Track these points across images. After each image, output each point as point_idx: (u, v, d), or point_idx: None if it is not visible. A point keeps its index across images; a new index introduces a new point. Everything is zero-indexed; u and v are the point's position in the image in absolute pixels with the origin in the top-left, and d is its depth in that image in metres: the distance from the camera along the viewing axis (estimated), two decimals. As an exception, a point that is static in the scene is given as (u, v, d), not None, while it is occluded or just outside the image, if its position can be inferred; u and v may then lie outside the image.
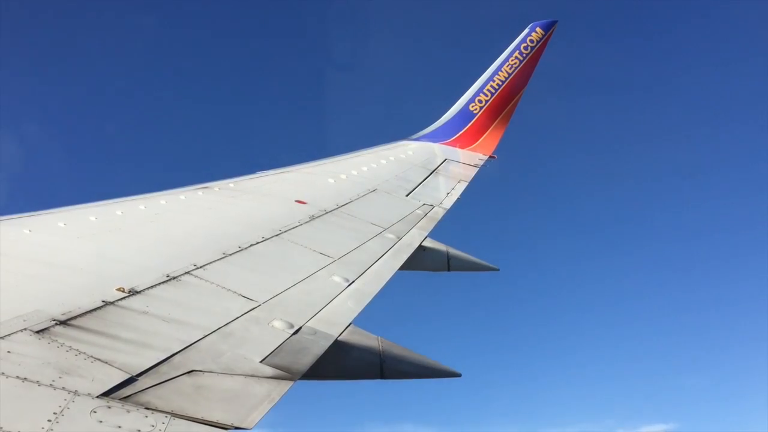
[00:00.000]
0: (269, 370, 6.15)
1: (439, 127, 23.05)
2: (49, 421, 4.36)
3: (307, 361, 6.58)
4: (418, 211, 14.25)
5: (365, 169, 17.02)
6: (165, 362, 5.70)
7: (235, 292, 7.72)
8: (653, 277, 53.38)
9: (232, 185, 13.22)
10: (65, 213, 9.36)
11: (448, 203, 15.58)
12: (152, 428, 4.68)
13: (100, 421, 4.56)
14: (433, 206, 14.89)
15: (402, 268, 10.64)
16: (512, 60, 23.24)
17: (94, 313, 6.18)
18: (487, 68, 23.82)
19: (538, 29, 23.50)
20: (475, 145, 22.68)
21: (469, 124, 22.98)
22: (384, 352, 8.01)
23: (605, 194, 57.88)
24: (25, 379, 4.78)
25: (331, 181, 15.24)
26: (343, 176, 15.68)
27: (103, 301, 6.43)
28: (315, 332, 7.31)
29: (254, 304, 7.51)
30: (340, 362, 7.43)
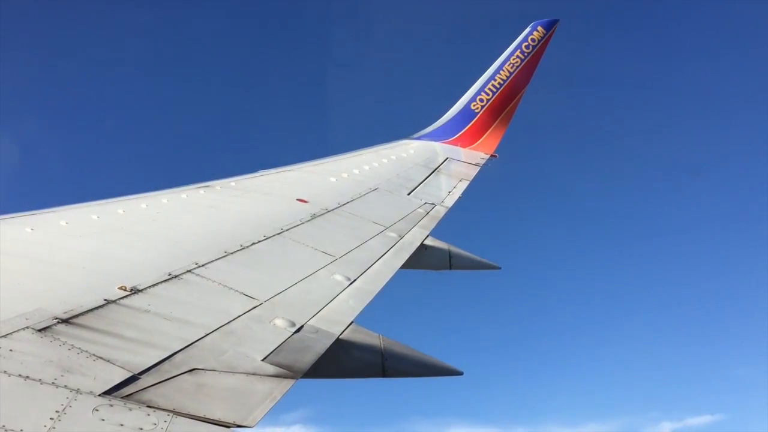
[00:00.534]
0: (271, 369, 6.15)
1: (441, 126, 23.05)
2: (51, 419, 4.36)
3: (308, 359, 6.58)
4: (420, 210, 14.25)
5: (367, 168, 17.03)
6: (167, 360, 5.71)
7: (236, 291, 7.72)
8: (690, 268, 53.18)
9: (233, 184, 13.23)
10: (67, 212, 9.37)
11: (450, 202, 15.58)
12: (154, 426, 4.68)
13: (103, 420, 4.56)
14: (434, 205, 14.89)
15: (404, 266, 10.64)
16: (513, 59, 23.23)
17: (96, 311, 6.19)
18: (489, 67, 23.82)
19: (539, 28, 23.49)
20: (476, 144, 22.68)
21: (471, 123, 22.97)
22: (386, 351, 8.01)
23: (607, 191, 57.90)
24: (28, 377, 4.78)
25: (333, 179, 15.24)
26: (345, 175, 15.69)
27: (105, 300, 6.44)
28: (317, 331, 7.31)
29: (256, 303, 7.52)
30: (342, 360, 7.43)
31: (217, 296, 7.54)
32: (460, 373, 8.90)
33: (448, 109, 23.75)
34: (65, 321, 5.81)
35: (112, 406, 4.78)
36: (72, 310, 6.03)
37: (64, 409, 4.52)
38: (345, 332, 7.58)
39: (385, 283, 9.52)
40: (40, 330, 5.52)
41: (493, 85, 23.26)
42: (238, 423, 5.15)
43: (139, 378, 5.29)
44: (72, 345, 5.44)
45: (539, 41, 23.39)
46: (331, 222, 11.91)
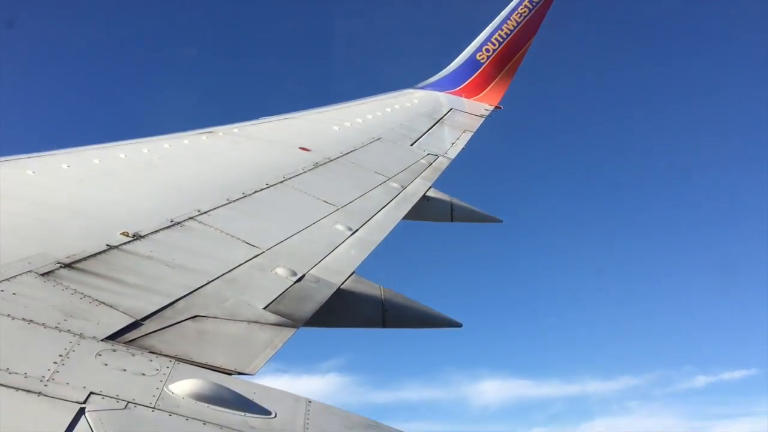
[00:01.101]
0: (272, 317, 6.19)
1: (446, 76, 22.73)
2: (54, 363, 4.40)
3: (309, 308, 6.62)
4: (423, 161, 14.17)
5: (370, 117, 16.86)
6: (169, 307, 5.74)
7: (238, 239, 7.72)
8: (724, 218, 52.55)
9: (236, 130, 13.12)
10: (68, 155, 9.30)
11: (453, 153, 15.48)
12: (156, 372, 4.73)
13: (105, 364, 4.60)
14: (437, 156, 14.80)
15: (405, 217, 10.63)
16: (521, 9, 22.78)
17: (99, 257, 6.19)
18: (495, 17, 23.37)
19: None
20: (481, 95, 22.39)
21: (476, 74, 22.65)
22: (386, 301, 8.06)
23: (612, 141, 57.24)
24: (31, 321, 4.81)
25: (336, 128, 15.12)
26: (348, 124, 15.55)
27: (108, 245, 6.44)
28: (318, 280, 7.34)
29: (258, 251, 7.53)
30: (343, 310, 7.48)
31: (219, 244, 7.54)
32: (459, 325, 8.98)
33: (453, 59, 23.39)
34: (68, 266, 5.81)
35: (114, 351, 4.82)
36: (74, 255, 6.03)
37: (67, 353, 4.55)
38: (346, 282, 7.61)
39: (386, 233, 9.52)
40: (42, 274, 5.53)
41: (499, 35, 22.86)
42: (239, 370, 5.21)
43: (142, 324, 5.32)
44: (75, 290, 5.46)
45: (548, -9, 22.88)
46: (333, 171, 11.86)
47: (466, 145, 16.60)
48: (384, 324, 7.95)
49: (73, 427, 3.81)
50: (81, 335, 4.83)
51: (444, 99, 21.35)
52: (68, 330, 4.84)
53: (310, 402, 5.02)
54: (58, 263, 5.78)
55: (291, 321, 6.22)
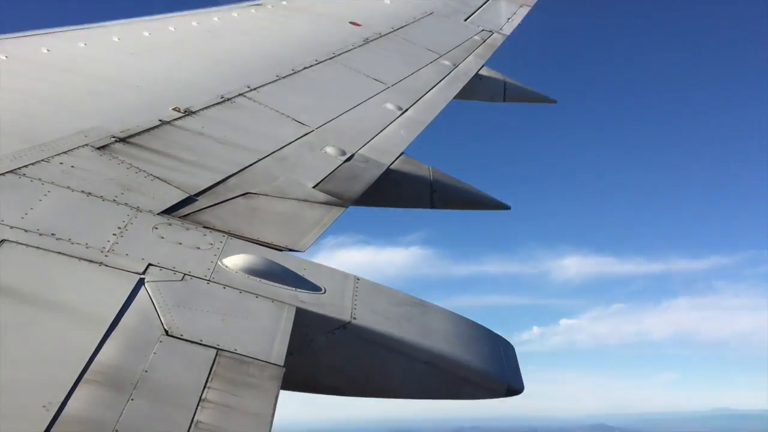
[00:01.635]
0: (321, 196, 6.26)
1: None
2: (114, 235, 4.56)
3: (358, 188, 6.67)
4: (476, 38, 13.66)
5: (422, -11, 16.17)
6: (221, 184, 5.84)
7: (288, 116, 7.70)
8: None
9: (285, 2, 12.78)
10: (118, 27, 9.24)
11: (509, 29, 14.86)
12: (210, 246, 4.88)
13: (162, 237, 4.76)
14: (492, 32, 14.24)
15: (457, 97, 10.41)
16: None
17: (152, 132, 6.27)
18: None
19: None
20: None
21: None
22: (435, 182, 8.05)
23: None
24: (90, 193, 4.95)
25: (387, 1, 14.58)
26: (400, -3, 14.96)
27: (160, 121, 6.49)
28: (367, 160, 7.34)
29: (307, 129, 7.51)
30: (391, 190, 7.51)
31: (268, 121, 7.55)
32: (507, 208, 8.96)
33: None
34: (123, 140, 5.91)
35: (170, 225, 4.97)
36: (128, 129, 6.11)
37: (125, 226, 4.71)
38: (395, 163, 7.60)
39: (437, 113, 9.37)
40: (98, 148, 5.64)
41: None
42: (290, 247, 5.34)
43: (196, 200, 5.44)
44: (130, 164, 5.57)
45: None
46: (383, 48, 11.55)
47: (522, 20, 15.89)
48: (432, 205, 7.97)
49: (134, 297, 4.00)
50: (138, 209, 4.97)
51: (501, -30, 20.26)
52: (125, 203, 4.99)
53: (358, 279, 5.15)
54: (113, 137, 5.88)
55: (340, 200, 6.28)
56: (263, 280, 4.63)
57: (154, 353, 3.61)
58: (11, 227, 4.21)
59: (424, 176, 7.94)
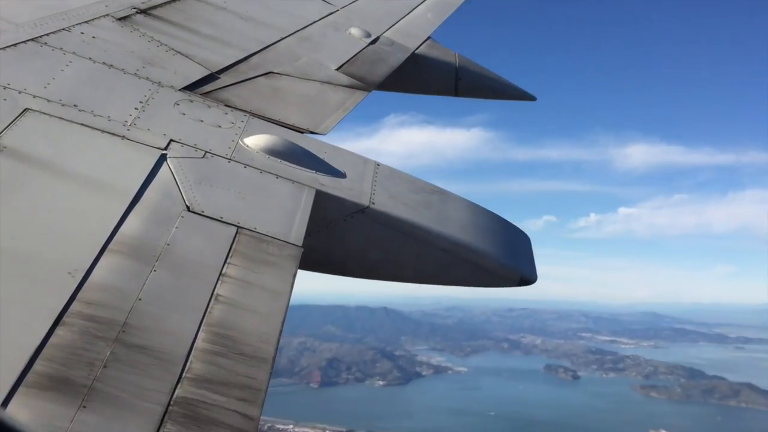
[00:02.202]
0: (345, 79, 6.16)
1: None
2: (135, 109, 4.55)
3: (382, 72, 6.54)
4: None
5: None
6: (243, 62, 5.74)
7: None
8: None
9: None
10: None
11: None
12: (232, 125, 4.86)
13: (183, 114, 4.74)
14: None
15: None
16: None
17: (173, 4, 6.11)
18: None
19: None
20: None
21: None
22: (460, 69, 7.86)
23: None
24: (112, 66, 4.90)
25: None
26: None
27: None
28: (392, 43, 7.15)
29: (332, 9, 7.29)
30: (416, 75, 7.37)
31: None
32: (533, 98, 8.79)
33: None
34: (144, 12, 5.78)
35: (192, 102, 4.93)
36: (150, 0, 5.96)
37: (147, 101, 4.69)
38: (421, 47, 7.41)
39: None
40: (120, 19, 5.53)
41: None
42: (311, 129, 5.30)
43: (218, 77, 5.37)
44: (152, 37, 5.47)
45: None
46: None
47: None
48: (456, 92, 7.83)
49: (156, 172, 4.03)
50: (159, 83, 4.93)
51: None
52: (147, 77, 4.94)
53: (378, 165, 5.14)
54: (134, 8, 5.75)
55: (363, 84, 6.18)
56: (284, 162, 4.64)
57: (176, 228, 3.68)
58: (34, 96, 4.21)
59: (450, 62, 7.76)
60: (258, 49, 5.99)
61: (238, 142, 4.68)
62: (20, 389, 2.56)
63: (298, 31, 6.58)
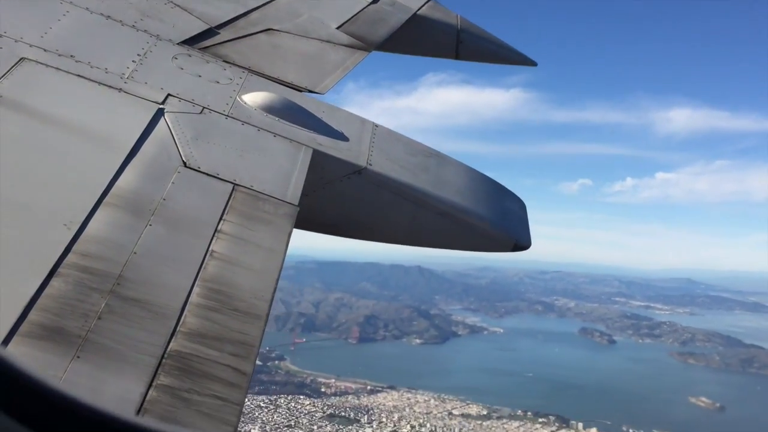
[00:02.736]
0: (345, 38, 6.09)
1: None
2: (133, 62, 4.50)
3: (383, 32, 6.46)
4: None
5: None
6: (243, 17, 5.67)
7: None
8: None
9: None
10: None
11: None
12: (230, 81, 4.82)
13: (181, 68, 4.70)
14: None
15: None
16: None
17: None
18: None
19: None
20: None
21: None
22: (462, 31, 7.77)
23: None
24: (109, 17, 4.83)
25: None
26: None
27: None
28: (393, 3, 7.06)
29: None
30: (417, 36, 7.29)
31: None
32: (533, 64, 8.71)
33: None
34: None
35: (190, 56, 4.88)
36: None
37: (145, 54, 4.64)
38: (422, 8, 7.31)
39: None
40: None
41: None
42: (310, 88, 5.27)
43: (217, 32, 5.31)
44: None
45: None
46: None
47: None
48: (457, 55, 7.75)
49: (153, 126, 4.01)
50: (158, 37, 4.87)
51: None
52: (145, 30, 4.88)
53: (376, 126, 5.12)
54: None
55: (363, 44, 6.12)
56: (282, 120, 4.62)
57: (172, 183, 3.67)
58: (30, 45, 4.16)
59: (452, 24, 7.66)
60: (258, 4, 5.91)
61: (236, 98, 4.65)
62: (15, 338, 2.58)
63: None
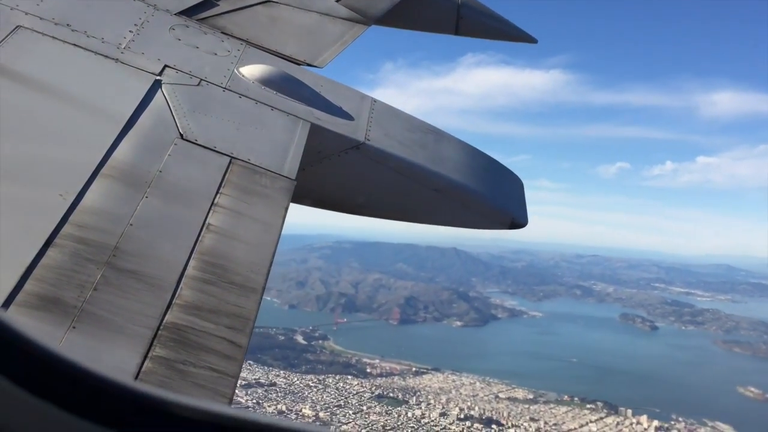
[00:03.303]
0: (344, 11, 6.03)
1: None
2: (130, 32, 4.45)
3: (383, 6, 6.40)
4: None
5: None
6: None
7: None
8: None
9: None
10: None
11: None
12: (228, 53, 4.78)
13: (178, 39, 4.65)
14: None
15: None
16: None
17: None
18: None
19: None
20: None
21: None
22: (463, 6, 7.70)
23: None
24: None
25: None
26: None
27: None
28: None
29: None
30: (417, 11, 7.22)
31: None
32: (534, 41, 8.65)
33: None
34: None
35: (188, 27, 4.83)
36: None
37: (142, 24, 4.59)
38: None
39: None
40: None
41: None
42: (308, 62, 5.23)
43: (215, 3, 5.25)
44: None
45: None
46: None
47: None
48: (457, 31, 7.68)
49: (150, 98, 3.98)
50: (155, 6, 4.81)
51: None
52: (142, 0, 4.82)
53: (375, 101, 5.09)
54: None
55: (363, 17, 6.06)
56: (280, 94, 4.58)
57: (169, 155, 3.65)
58: (26, 13, 4.11)
59: None
60: None
61: (233, 71, 4.61)
62: (10, 308, 2.58)
63: None
